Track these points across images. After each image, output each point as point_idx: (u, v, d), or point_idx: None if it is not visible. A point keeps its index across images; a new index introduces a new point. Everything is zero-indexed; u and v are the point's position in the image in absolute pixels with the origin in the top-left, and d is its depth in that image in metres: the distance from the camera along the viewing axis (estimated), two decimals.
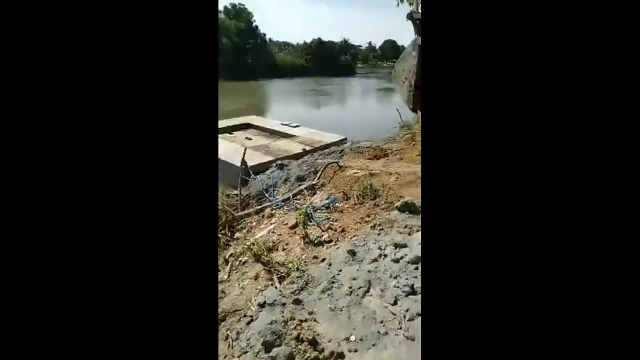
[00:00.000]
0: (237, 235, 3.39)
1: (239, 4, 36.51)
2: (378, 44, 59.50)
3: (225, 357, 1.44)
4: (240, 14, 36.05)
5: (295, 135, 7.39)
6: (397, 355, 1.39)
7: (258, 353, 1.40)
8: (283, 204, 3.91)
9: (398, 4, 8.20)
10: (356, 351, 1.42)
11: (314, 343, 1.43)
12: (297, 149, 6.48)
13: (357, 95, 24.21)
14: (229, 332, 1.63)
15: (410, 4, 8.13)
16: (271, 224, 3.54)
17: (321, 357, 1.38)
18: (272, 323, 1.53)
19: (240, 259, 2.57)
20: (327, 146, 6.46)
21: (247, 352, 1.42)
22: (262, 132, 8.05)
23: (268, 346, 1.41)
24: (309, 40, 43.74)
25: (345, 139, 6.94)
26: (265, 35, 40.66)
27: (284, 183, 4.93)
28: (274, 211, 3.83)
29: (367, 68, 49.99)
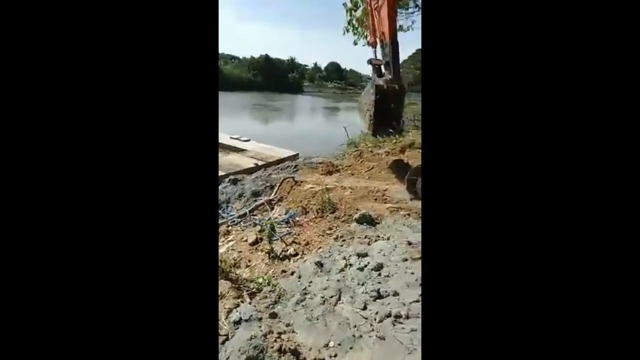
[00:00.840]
0: None
1: None
2: (322, 64, 62.71)
3: None
4: None
5: (245, 150, 7.29)
6: (372, 355, 1.53)
7: None
8: (239, 219, 3.82)
9: (344, 33, 9.00)
10: (335, 355, 1.53)
11: (295, 353, 1.49)
12: (248, 163, 6.39)
13: (305, 112, 24.98)
14: None
15: (355, 34, 8.96)
16: (228, 241, 3.43)
17: None
18: (251, 338, 1.54)
19: None
20: (280, 161, 6.52)
21: None
22: None
23: None
24: (255, 56, 43.87)
25: (297, 154, 7.11)
26: None
27: (238, 198, 4.81)
28: (229, 227, 3.71)
29: (313, 87, 52.01)
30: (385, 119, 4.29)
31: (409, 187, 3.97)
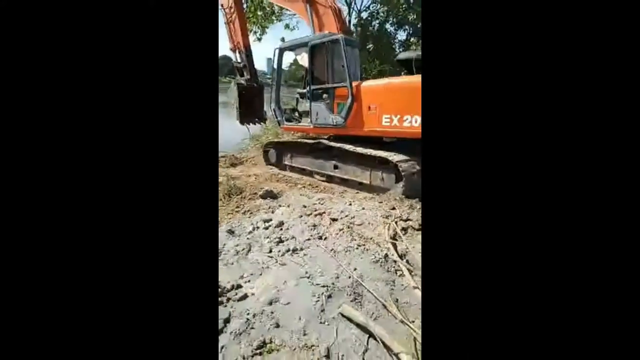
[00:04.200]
0: None
1: None
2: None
3: None
4: None
5: None
6: (275, 274, 2.15)
7: None
8: None
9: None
10: (249, 281, 2.08)
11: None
12: None
13: None
14: None
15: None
16: None
17: (224, 290, 1.94)
18: None
19: None
20: None
21: None
22: None
23: None
24: None
25: None
26: None
27: None
28: None
29: None
30: (249, 111, 5.54)
31: (264, 155, 5.60)
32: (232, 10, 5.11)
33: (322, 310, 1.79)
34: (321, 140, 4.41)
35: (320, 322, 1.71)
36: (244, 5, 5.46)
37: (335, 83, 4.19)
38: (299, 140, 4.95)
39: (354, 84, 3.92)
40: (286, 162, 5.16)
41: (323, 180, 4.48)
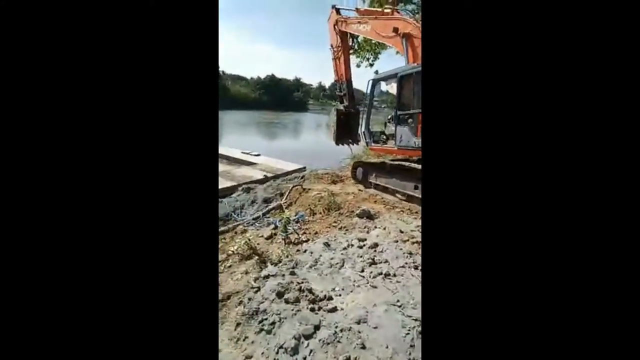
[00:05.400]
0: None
1: None
2: (326, 84, 65.42)
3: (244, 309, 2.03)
4: None
5: (255, 163, 8.03)
6: (366, 295, 2.16)
7: (274, 299, 2.04)
8: (254, 221, 4.50)
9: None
10: (340, 295, 2.16)
11: (311, 292, 2.13)
12: (258, 175, 7.10)
13: (310, 128, 26.31)
14: (241, 299, 2.21)
15: (357, 56, 10.11)
16: (246, 237, 4.09)
17: (317, 299, 2.07)
18: (278, 284, 2.19)
19: (229, 259, 3.09)
20: (288, 173, 7.21)
21: (266, 299, 2.04)
22: (222, 159, 8.52)
23: (280, 294, 2.06)
24: (262, 76, 46.47)
25: (304, 167, 7.83)
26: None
27: (251, 205, 5.50)
28: (245, 228, 4.37)
29: (317, 105, 54.39)
30: (345, 133, 6.34)
31: (352, 173, 6.08)
32: (339, 48, 6.07)
33: (412, 346, 1.69)
34: (402, 163, 4.75)
35: (409, 359, 1.62)
36: (350, 42, 6.48)
37: (419, 109, 4.48)
38: (384, 161, 5.40)
39: None
40: (371, 180, 5.50)
41: (403, 200, 4.68)
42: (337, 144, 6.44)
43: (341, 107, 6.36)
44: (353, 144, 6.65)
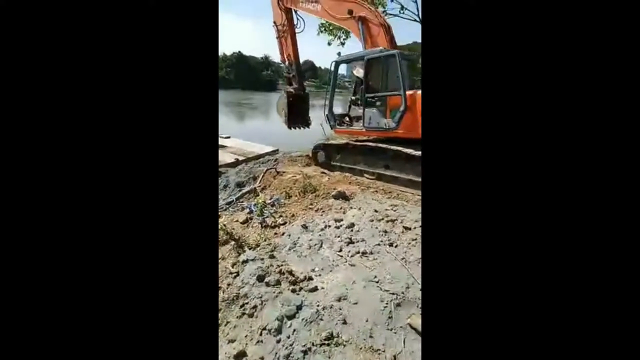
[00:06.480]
0: None
1: None
2: None
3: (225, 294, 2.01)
4: None
5: (226, 146, 7.72)
6: (345, 274, 2.23)
7: (254, 283, 2.04)
8: (227, 206, 4.39)
9: (318, 33, 9.87)
10: (320, 275, 2.21)
11: (291, 274, 2.16)
12: (229, 158, 6.84)
13: None
14: (219, 285, 2.19)
15: (329, 35, 9.89)
16: (220, 222, 4.00)
17: (297, 280, 2.11)
18: (257, 268, 2.19)
19: None
20: (260, 156, 7.03)
21: (245, 284, 2.04)
22: None
23: (260, 278, 2.07)
24: (228, 53, 43.99)
25: (277, 150, 7.69)
26: None
27: (223, 189, 5.35)
28: (219, 213, 4.26)
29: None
30: (297, 116, 6.20)
31: (312, 157, 5.96)
32: (284, 27, 5.67)
33: (390, 317, 1.79)
34: (367, 143, 4.82)
35: (388, 329, 1.72)
36: (296, 22, 5.95)
37: (389, 91, 4.60)
38: (349, 142, 5.32)
39: (408, 92, 4.26)
40: (334, 163, 5.49)
41: (372, 179, 4.78)
42: (289, 127, 6.25)
43: (290, 89, 6.08)
44: (304, 127, 6.50)
